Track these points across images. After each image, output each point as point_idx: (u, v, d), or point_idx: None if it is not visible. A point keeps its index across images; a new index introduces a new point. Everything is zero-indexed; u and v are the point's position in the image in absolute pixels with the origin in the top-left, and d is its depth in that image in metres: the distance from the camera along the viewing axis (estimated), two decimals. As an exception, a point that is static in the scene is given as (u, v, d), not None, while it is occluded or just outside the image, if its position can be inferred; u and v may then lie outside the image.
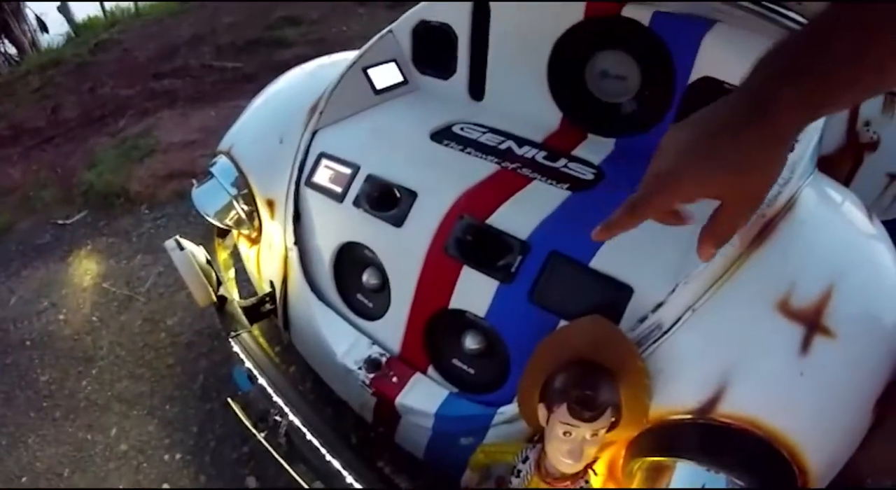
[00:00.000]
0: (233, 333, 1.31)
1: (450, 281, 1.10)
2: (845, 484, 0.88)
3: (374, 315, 1.26)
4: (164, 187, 3.01)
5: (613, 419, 0.80)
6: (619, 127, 1.33)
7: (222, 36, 4.82)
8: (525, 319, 1.01)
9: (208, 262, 1.44)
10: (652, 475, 0.84)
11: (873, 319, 0.88)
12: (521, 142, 1.32)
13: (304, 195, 1.34)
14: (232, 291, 1.49)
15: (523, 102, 1.43)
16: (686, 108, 1.21)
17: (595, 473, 0.87)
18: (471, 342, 1.10)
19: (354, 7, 5.15)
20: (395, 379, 1.15)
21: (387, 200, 1.20)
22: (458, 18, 1.46)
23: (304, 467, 1.13)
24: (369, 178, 1.25)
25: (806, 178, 1.01)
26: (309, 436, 1.09)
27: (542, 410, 0.84)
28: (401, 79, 1.58)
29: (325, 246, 1.31)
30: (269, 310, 1.45)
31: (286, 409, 1.14)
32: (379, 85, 1.52)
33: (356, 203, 1.25)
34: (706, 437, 0.83)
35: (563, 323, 0.96)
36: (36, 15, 6.51)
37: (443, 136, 1.35)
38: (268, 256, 1.44)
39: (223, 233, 1.67)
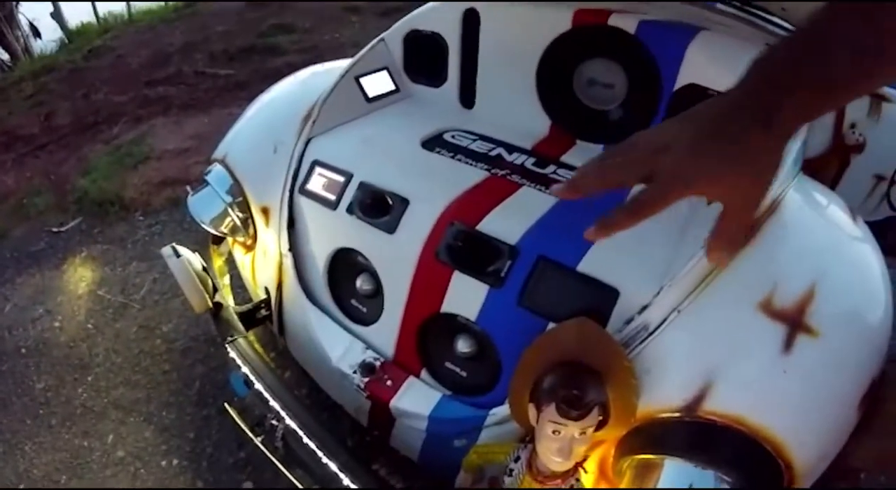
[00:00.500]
0: (229, 339, 1.32)
1: (441, 286, 1.12)
2: (839, 480, 0.90)
3: (367, 320, 1.28)
4: (158, 194, 3.01)
5: (601, 418, 0.82)
6: (606, 133, 1.35)
7: (215, 43, 4.82)
8: (515, 323, 1.03)
9: (204, 268, 1.46)
10: (641, 472, 0.86)
11: (857, 318, 0.90)
12: (511, 149, 1.35)
13: (299, 203, 1.36)
14: (227, 298, 1.51)
15: (513, 110, 1.45)
16: (672, 114, 1.22)
17: (585, 472, 0.89)
18: (463, 346, 1.11)
19: (347, 15, 5.16)
20: (389, 382, 1.17)
21: (379, 207, 1.22)
22: (449, 27, 1.48)
23: (301, 471, 1.14)
24: (362, 186, 1.27)
25: (790, 180, 1.03)
26: (305, 440, 1.10)
27: (532, 411, 0.86)
28: (393, 87, 1.60)
29: (320, 252, 1.33)
30: (264, 316, 1.46)
31: (282, 414, 1.16)
32: (371, 93, 1.54)
33: (349, 210, 1.26)
34: (693, 434, 0.84)
35: (551, 325, 0.98)
36: (29, 21, 6.44)
37: (434, 143, 1.37)
38: (263, 263, 1.45)
39: (218, 240, 1.68)
